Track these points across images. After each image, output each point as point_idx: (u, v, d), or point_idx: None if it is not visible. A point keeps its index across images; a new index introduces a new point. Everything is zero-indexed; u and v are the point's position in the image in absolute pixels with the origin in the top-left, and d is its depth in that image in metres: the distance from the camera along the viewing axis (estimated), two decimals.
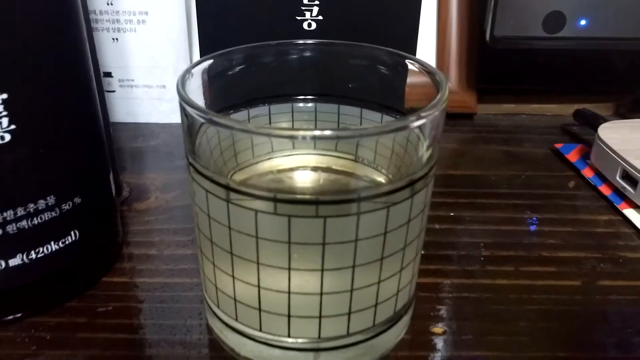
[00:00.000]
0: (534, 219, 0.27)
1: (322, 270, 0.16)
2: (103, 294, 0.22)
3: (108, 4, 0.32)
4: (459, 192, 0.29)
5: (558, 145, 0.33)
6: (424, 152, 0.17)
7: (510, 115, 0.39)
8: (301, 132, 0.14)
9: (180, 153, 0.33)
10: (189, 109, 0.16)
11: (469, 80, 0.37)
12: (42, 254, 0.19)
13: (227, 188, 0.16)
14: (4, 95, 0.17)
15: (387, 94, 0.20)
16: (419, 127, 0.16)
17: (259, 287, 0.17)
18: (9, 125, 0.17)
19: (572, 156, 0.32)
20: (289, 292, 0.16)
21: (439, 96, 0.16)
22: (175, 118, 0.36)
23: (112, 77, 0.34)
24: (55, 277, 0.20)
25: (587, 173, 0.30)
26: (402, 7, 0.23)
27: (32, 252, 0.19)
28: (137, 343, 0.20)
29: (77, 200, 0.20)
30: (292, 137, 0.15)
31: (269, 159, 0.19)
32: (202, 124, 0.16)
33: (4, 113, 0.17)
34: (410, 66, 0.19)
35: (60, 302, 0.21)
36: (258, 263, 0.16)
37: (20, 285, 0.20)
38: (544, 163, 0.32)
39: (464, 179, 0.31)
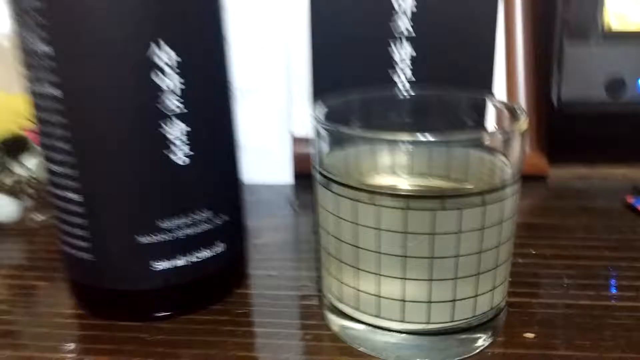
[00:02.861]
0: (612, 257, 0.30)
1: (432, 257, 0.20)
2: (238, 301, 0.26)
3: None
4: (538, 235, 0.32)
5: (630, 199, 0.36)
6: (509, 168, 0.21)
7: (581, 178, 0.42)
8: (411, 137, 0.19)
9: (282, 207, 0.38)
10: (327, 126, 0.21)
11: (539, 144, 0.41)
12: (197, 259, 0.24)
13: (355, 189, 0.20)
14: (188, 129, 0.22)
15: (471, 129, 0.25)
16: (504, 149, 0.21)
17: (379, 275, 0.21)
18: (188, 150, 0.23)
19: None
20: (404, 278, 0.20)
21: (520, 121, 0.21)
22: (277, 180, 0.41)
23: None
24: (204, 281, 0.25)
25: None
26: (477, 64, 0.28)
27: (192, 256, 0.24)
28: (270, 335, 0.24)
29: (226, 217, 0.25)
30: (406, 142, 0.20)
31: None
32: (336, 140, 0.21)
33: (187, 142, 0.23)
34: (490, 105, 0.24)
35: (206, 304, 0.25)
36: (379, 253, 0.20)
37: (178, 285, 0.24)
38: (617, 214, 0.35)
39: (542, 226, 0.34)
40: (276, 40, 0.40)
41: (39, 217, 0.35)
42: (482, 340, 0.22)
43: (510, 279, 0.23)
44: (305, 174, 0.40)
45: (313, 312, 0.25)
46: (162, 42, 0.21)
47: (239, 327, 0.24)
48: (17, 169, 0.34)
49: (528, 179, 0.41)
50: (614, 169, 0.42)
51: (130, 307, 0.24)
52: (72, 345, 0.23)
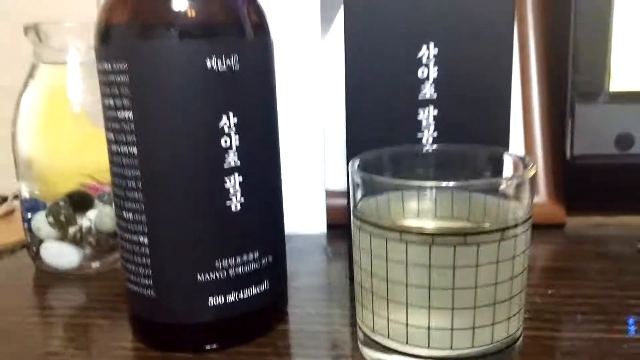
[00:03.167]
0: (622, 296, 0.32)
1: (453, 289, 0.23)
2: (280, 335, 0.29)
3: None
4: (556, 277, 0.35)
5: None
6: (519, 210, 0.24)
7: (597, 226, 0.44)
8: (436, 183, 0.23)
9: (317, 254, 0.41)
10: (361, 175, 0.24)
11: (557, 195, 0.44)
12: (246, 296, 0.28)
13: (386, 228, 0.23)
14: (240, 179, 0.26)
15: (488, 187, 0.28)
16: (516, 193, 0.24)
17: (406, 304, 0.24)
18: (240, 199, 0.26)
19: None
20: (429, 308, 0.23)
21: (529, 169, 0.24)
22: (312, 230, 0.45)
23: None
24: (251, 315, 0.28)
25: None
26: (494, 124, 0.32)
27: (241, 292, 0.27)
28: None
29: (270, 258, 0.28)
30: (430, 187, 0.23)
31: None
32: (369, 187, 0.25)
33: (239, 191, 0.26)
34: (504, 157, 0.27)
35: (251, 338, 0.28)
36: (407, 285, 0.23)
37: (228, 318, 0.27)
38: (629, 259, 0.37)
39: (559, 269, 0.37)
40: (314, 107, 0.44)
41: (96, 264, 0.39)
42: None
43: (529, 316, 0.26)
44: (337, 225, 0.44)
45: (348, 345, 0.28)
46: (231, 114, 0.25)
47: (282, 358, 0.27)
48: (80, 221, 0.38)
49: (547, 227, 0.44)
50: (628, 218, 0.45)
51: (186, 339, 0.28)
52: None
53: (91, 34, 0.38)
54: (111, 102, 0.26)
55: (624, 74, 0.41)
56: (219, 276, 0.27)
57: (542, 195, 0.45)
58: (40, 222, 0.38)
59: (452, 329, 0.23)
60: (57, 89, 0.38)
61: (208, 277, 0.26)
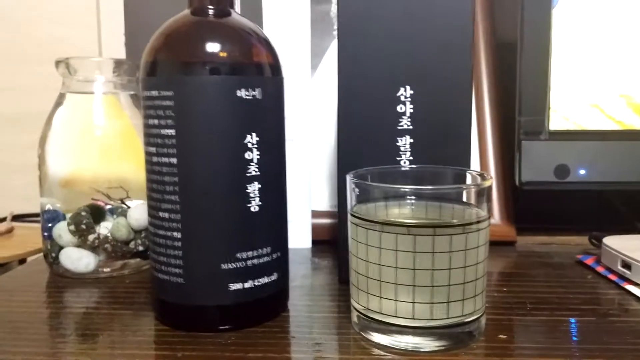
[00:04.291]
0: (561, 291, 0.39)
1: (432, 270, 0.29)
2: (286, 319, 0.35)
3: None
4: (510, 279, 0.42)
5: (579, 256, 0.46)
6: (479, 212, 0.31)
7: (543, 244, 0.52)
8: (414, 187, 0.29)
9: (305, 263, 0.47)
10: (357, 182, 0.31)
11: (508, 216, 0.52)
12: (260, 284, 0.33)
13: (379, 223, 0.30)
14: (259, 185, 0.32)
15: (456, 194, 0.35)
16: (475, 197, 0.31)
17: (396, 284, 0.30)
18: (259, 202, 0.32)
19: (589, 261, 0.45)
20: (414, 285, 0.29)
21: (486, 179, 0.31)
22: (299, 244, 0.51)
23: None
24: (263, 301, 0.34)
25: (599, 269, 0.43)
26: (457, 150, 0.39)
27: (256, 280, 0.33)
28: (311, 339, 0.32)
29: (279, 254, 0.34)
30: (408, 193, 0.30)
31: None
32: (362, 193, 0.31)
33: (258, 196, 0.32)
34: (468, 174, 0.34)
35: (262, 321, 0.34)
36: (396, 268, 0.30)
37: (245, 303, 0.33)
38: (568, 267, 0.45)
39: (512, 274, 0.44)
40: (303, 142, 0.51)
41: (107, 269, 0.44)
42: (471, 335, 0.31)
43: (490, 305, 0.32)
44: (319, 241, 0.50)
45: (343, 325, 0.34)
46: (254, 134, 0.32)
47: (289, 335, 0.33)
48: (98, 230, 0.43)
49: (500, 244, 0.51)
50: (569, 237, 0.53)
51: (207, 320, 0.33)
52: (166, 346, 0.32)
53: (112, 69, 0.44)
54: (155, 122, 0.32)
55: (560, 116, 0.50)
56: (239, 266, 0.32)
57: (496, 218, 0.52)
58: (62, 229, 0.43)
59: (431, 303, 0.30)
60: (83, 116, 0.44)
61: (230, 266, 0.32)
